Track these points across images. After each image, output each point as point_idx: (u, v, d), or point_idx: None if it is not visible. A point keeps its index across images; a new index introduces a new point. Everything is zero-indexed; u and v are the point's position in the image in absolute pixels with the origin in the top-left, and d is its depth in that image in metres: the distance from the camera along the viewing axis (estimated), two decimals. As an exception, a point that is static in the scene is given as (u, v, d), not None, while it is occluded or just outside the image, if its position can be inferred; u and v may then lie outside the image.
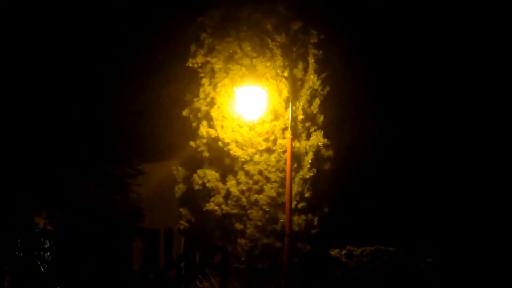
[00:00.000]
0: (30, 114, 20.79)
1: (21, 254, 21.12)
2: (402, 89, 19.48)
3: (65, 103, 21.11)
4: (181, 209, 17.61)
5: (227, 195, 16.89)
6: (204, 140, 17.16)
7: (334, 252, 17.54)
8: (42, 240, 21.69)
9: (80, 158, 21.45)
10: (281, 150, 16.69)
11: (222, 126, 16.97)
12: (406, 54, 19.17)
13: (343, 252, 17.58)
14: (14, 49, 20.48)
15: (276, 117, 16.83)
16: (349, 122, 18.30)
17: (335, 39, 17.57)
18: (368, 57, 18.89)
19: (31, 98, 20.74)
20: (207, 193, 17.07)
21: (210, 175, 17.01)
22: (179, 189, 17.64)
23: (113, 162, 21.98)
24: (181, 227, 17.64)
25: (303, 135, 16.86)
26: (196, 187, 17.15)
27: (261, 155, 16.79)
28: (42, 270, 21.15)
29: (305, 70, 16.94)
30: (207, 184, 17.00)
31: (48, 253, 21.70)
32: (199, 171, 17.15)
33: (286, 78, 16.74)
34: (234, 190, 16.81)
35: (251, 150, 16.83)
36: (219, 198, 16.92)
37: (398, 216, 18.99)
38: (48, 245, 21.79)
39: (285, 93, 16.72)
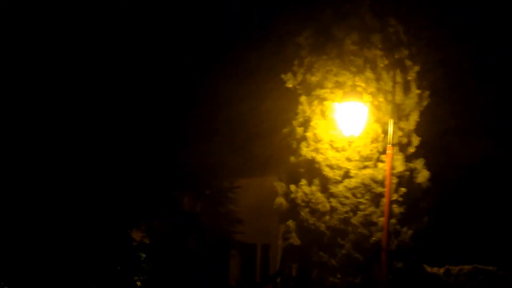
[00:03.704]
0: (125, 126, 21.94)
1: (119, 268, 22.38)
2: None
3: (165, 114, 22.32)
4: (289, 223, 18.39)
5: (331, 210, 17.82)
6: (305, 159, 18.06)
7: (431, 271, 18.18)
8: (139, 253, 22.91)
9: (178, 170, 22.57)
10: (371, 173, 17.51)
11: (316, 149, 17.83)
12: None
13: (441, 270, 18.19)
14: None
15: (374, 138, 17.65)
16: (448, 138, 18.95)
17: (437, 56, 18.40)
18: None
19: (123, 109, 21.90)
20: (310, 208, 17.99)
21: (316, 193, 17.93)
22: (281, 203, 18.51)
23: (210, 175, 23.06)
24: (292, 241, 18.39)
25: (398, 154, 17.62)
26: (301, 203, 18.05)
27: (350, 181, 17.61)
28: (139, 284, 22.25)
29: (401, 88, 17.72)
30: (313, 201, 17.93)
31: (145, 266, 22.88)
32: (304, 188, 17.99)
33: (380, 95, 17.60)
34: (339, 207, 17.73)
35: (341, 172, 17.68)
36: (326, 216, 17.82)
37: (498, 232, 19.39)
38: (144, 258, 22.96)
39: (381, 113, 17.57)
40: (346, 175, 17.69)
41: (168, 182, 22.32)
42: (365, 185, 17.53)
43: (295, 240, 18.33)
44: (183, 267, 22.29)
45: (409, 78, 17.73)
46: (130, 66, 21.56)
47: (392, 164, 17.13)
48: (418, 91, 17.79)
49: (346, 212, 17.70)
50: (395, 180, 17.37)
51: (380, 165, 17.45)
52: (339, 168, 17.72)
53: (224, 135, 22.50)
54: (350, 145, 17.62)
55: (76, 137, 21.45)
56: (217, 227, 22.76)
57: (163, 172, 22.22)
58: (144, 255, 22.95)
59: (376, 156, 17.58)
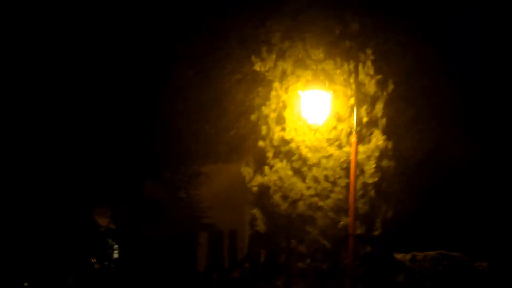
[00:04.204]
0: (89, 113, 21.90)
1: (85, 253, 22.44)
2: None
3: (129, 100, 22.25)
4: (254, 211, 18.58)
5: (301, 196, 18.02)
6: (276, 143, 18.22)
7: (398, 256, 18.41)
8: (105, 239, 22.94)
9: (141, 157, 22.58)
10: (347, 156, 17.70)
11: (295, 129, 18.03)
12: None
13: (407, 256, 18.42)
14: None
15: (341, 122, 17.87)
16: (416, 125, 19.14)
17: (403, 40, 18.55)
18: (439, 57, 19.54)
19: (87, 96, 21.86)
20: (283, 193, 18.15)
21: (291, 178, 18.09)
22: (258, 184, 18.52)
23: (175, 162, 23.06)
24: (258, 228, 18.61)
25: (367, 139, 17.87)
26: (273, 187, 18.20)
27: (328, 162, 17.84)
28: (106, 269, 22.31)
29: (368, 74, 17.99)
30: (285, 186, 18.09)
31: (111, 252, 22.94)
32: (280, 171, 18.11)
33: (351, 82, 17.79)
34: (306, 193, 17.92)
35: (318, 154, 17.89)
36: (299, 201, 18.01)
37: (466, 219, 19.66)
38: (111, 244, 23.02)
39: (352, 98, 17.74)
40: (324, 157, 17.89)
41: (130, 168, 22.30)
42: (340, 166, 17.72)
43: (261, 227, 18.49)
44: (149, 253, 22.32)
45: (374, 67, 17.96)
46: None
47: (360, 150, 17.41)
48: (384, 79, 18.05)
49: (312, 196, 17.89)
50: (373, 165, 17.63)
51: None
52: (317, 150, 17.89)
53: (189, 121, 22.46)
54: (314, 134, 17.75)
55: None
56: (182, 212, 22.79)
57: (126, 158, 22.18)
58: (110, 241, 23.02)
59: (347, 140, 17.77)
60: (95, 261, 22.40)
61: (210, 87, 21.71)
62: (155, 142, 22.50)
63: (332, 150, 17.88)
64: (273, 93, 18.38)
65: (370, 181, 17.73)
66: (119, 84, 21.89)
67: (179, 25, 21.27)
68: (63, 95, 21.59)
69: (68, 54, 21.39)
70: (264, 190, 18.43)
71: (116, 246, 23.66)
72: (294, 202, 18.05)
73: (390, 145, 17.86)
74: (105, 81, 21.79)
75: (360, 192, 17.64)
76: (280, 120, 18.27)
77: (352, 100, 17.63)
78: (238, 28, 20.03)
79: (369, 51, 17.91)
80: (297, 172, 18.12)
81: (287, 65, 18.20)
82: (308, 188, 17.93)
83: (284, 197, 18.14)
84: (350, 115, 17.72)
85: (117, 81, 21.86)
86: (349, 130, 17.75)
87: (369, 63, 17.90)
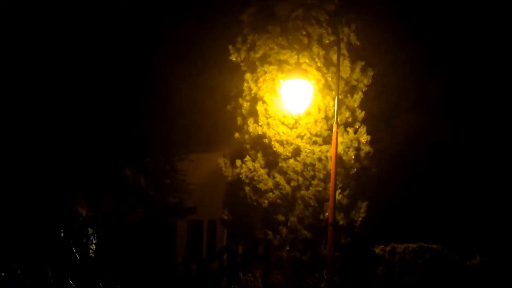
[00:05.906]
0: (75, 101, 21.75)
1: (64, 243, 22.21)
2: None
3: (112, 90, 22.15)
4: (225, 200, 18.74)
5: (274, 187, 17.84)
6: (252, 135, 18.08)
7: (377, 249, 18.29)
8: (85, 228, 22.76)
9: (123, 146, 22.44)
10: (324, 150, 17.55)
11: (268, 124, 17.86)
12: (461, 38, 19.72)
13: (387, 248, 18.30)
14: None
15: (317, 113, 17.71)
16: (393, 116, 19.04)
17: (380, 30, 18.39)
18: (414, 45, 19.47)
19: (69, 85, 21.73)
20: (253, 185, 18.01)
21: (259, 169, 17.96)
22: (228, 177, 18.64)
23: (156, 151, 22.94)
24: (225, 217, 18.74)
25: (345, 130, 17.70)
26: (245, 179, 18.06)
27: (299, 155, 17.69)
28: (85, 258, 22.14)
29: (344, 64, 17.77)
30: (255, 178, 17.94)
31: (91, 241, 22.77)
32: (249, 163, 18.04)
33: (327, 72, 17.62)
34: (283, 184, 17.72)
35: (291, 148, 17.74)
36: (268, 193, 17.86)
37: (445, 212, 19.64)
38: (91, 232, 22.85)
39: (326, 88, 17.59)
40: (297, 150, 17.71)
41: (113, 157, 22.17)
42: (319, 160, 17.52)
43: (227, 215, 18.74)
44: (128, 243, 22.18)
45: (348, 54, 17.80)
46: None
47: (338, 141, 17.11)
48: (362, 68, 17.88)
49: (294, 188, 17.69)
50: (352, 156, 17.52)
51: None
52: (289, 143, 17.71)
53: (172, 112, 22.39)
54: (298, 122, 17.58)
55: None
56: (162, 201, 22.71)
57: (108, 147, 22.05)
58: (91, 230, 22.87)
59: (327, 133, 17.59)
60: (74, 250, 22.21)
61: (193, 78, 21.67)
62: (137, 131, 22.40)
63: (305, 143, 17.76)
64: (245, 84, 18.25)
65: (351, 172, 17.61)
66: (103, 75, 21.79)
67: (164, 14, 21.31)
68: (43, 83, 21.47)
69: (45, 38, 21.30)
70: (237, 182, 18.36)
71: (94, 234, 23.50)
72: (265, 193, 17.92)
73: (367, 137, 17.72)
74: (87, 72, 21.67)
75: (340, 185, 17.47)
76: (253, 112, 18.15)
77: (328, 89, 17.51)
78: (219, 18, 19.99)
79: (348, 39, 17.79)
80: (271, 164, 17.99)
81: (257, 56, 17.98)
82: (290, 180, 17.77)
83: (255, 189, 18.02)
84: (327, 106, 17.60)
85: (101, 72, 21.75)
86: (325, 122, 17.62)
87: (345, 52, 17.73)
